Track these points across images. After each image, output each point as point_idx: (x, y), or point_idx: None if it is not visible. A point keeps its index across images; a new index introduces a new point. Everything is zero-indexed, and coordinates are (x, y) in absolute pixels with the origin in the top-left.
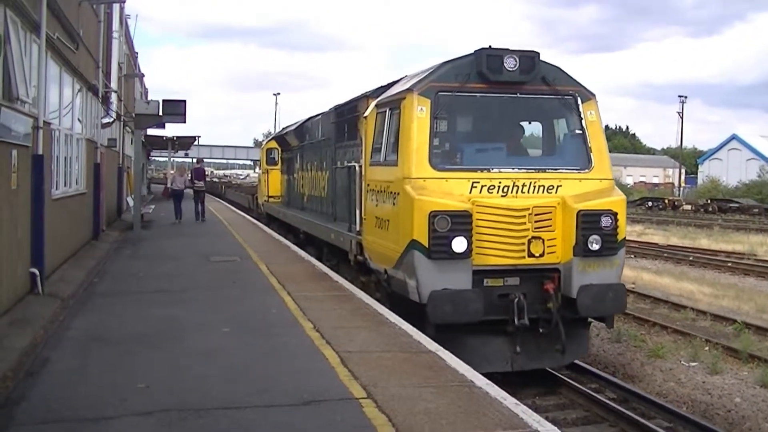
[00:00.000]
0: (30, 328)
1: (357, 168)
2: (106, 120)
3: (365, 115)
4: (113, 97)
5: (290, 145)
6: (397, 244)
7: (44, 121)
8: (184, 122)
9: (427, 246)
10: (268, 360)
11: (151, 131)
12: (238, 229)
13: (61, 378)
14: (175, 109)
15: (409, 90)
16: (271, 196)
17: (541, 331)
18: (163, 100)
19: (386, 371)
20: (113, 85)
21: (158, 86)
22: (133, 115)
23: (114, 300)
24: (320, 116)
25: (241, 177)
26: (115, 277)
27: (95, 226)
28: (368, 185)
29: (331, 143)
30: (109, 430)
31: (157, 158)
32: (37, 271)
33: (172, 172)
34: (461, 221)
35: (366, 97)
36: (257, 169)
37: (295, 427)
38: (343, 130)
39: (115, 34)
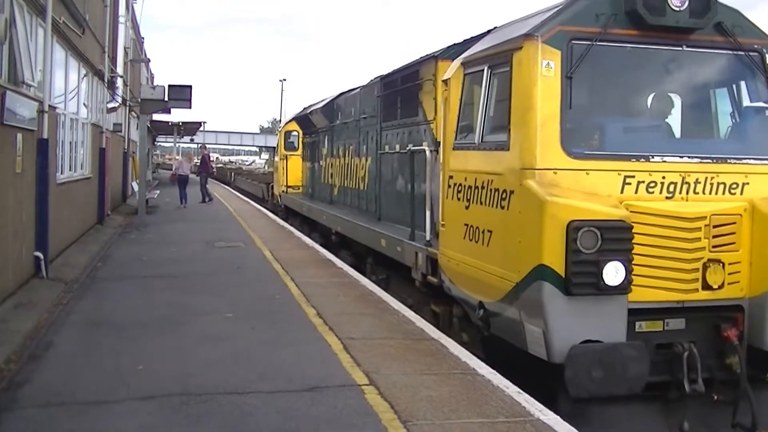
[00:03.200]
0: (34, 312)
1: (427, 154)
2: (111, 105)
3: (445, 78)
4: (119, 81)
5: (315, 127)
6: (509, 269)
7: (49, 106)
8: (190, 108)
9: (563, 275)
10: (270, 346)
11: (156, 116)
12: (242, 215)
13: (64, 361)
14: (181, 95)
15: (529, 36)
16: (290, 186)
17: (715, 398)
18: (169, 86)
19: (389, 358)
20: (119, 69)
21: (163, 72)
22: (139, 100)
23: (118, 285)
24: (358, 90)
25: (247, 163)
26: (119, 261)
27: (100, 211)
28: (450, 178)
29: (376, 122)
30: (112, 414)
31: (162, 144)
32: (41, 255)
33: (178, 158)
34: (617, 237)
35: (434, 58)
36: (263, 155)
37: (298, 413)
38: (395, 104)
39: (121, 19)
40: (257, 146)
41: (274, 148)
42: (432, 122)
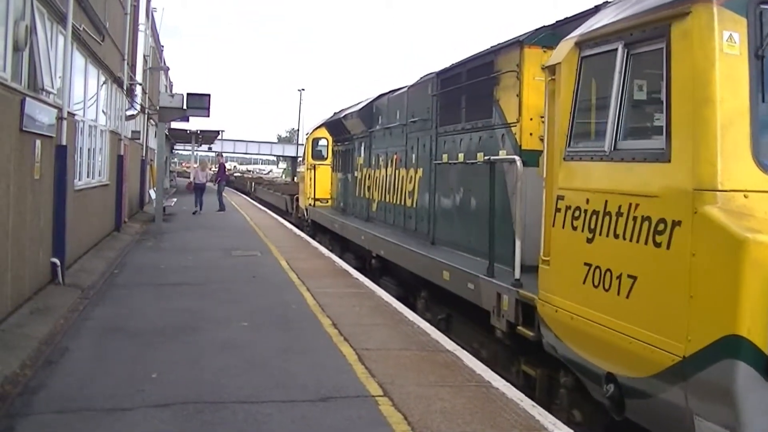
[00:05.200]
0: (50, 318)
1: (518, 165)
2: (130, 112)
3: (549, 64)
4: (138, 89)
5: (349, 133)
6: (669, 335)
7: (68, 112)
8: (208, 116)
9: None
10: (286, 355)
11: (175, 124)
12: (259, 224)
13: (79, 368)
14: (199, 103)
15: None
16: (318, 199)
17: None
18: (188, 94)
19: (403, 369)
20: (138, 77)
21: (182, 80)
22: (158, 107)
23: (134, 291)
24: (405, 89)
25: (264, 172)
26: (135, 268)
27: (117, 218)
28: (560, 198)
29: (430, 126)
30: (126, 421)
31: (180, 152)
32: (58, 261)
33: (195, 166)
34: None
35: (518, 43)
36: (280, 164)
37: (311, 422)
38: (458, 105)
39: (141, 27)
40: (275, 155)
41: (292, 157)
42: (514, 125)
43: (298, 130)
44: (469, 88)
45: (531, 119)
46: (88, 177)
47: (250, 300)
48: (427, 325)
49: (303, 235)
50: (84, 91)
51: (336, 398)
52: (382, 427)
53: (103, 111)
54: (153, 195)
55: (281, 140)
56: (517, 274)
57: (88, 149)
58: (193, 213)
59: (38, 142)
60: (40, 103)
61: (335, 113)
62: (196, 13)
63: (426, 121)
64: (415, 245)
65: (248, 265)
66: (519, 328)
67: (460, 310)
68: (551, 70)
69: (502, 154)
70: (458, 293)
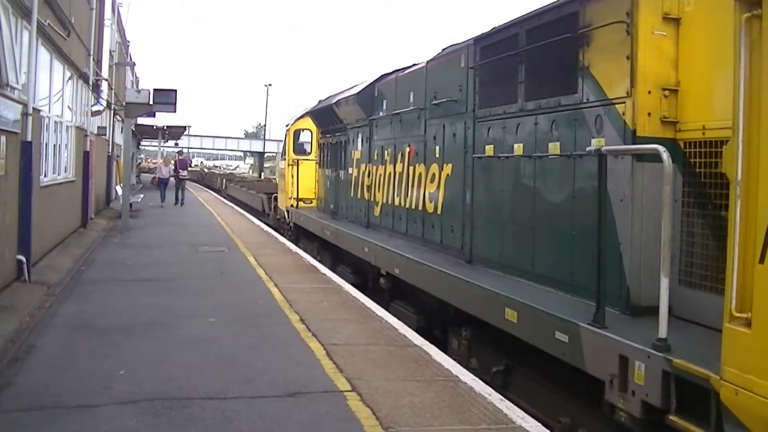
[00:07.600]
0: (16, 315)
1: (664, 160)
2: (96, 108)
3: None
4: (104, 85)
5: (341, 122)
6: None
7: (34, 108)
8: (175, 111)
9: None
10: (253, 351)
11: (141, 120)
12: (226, 219)
13: (46, 365)
14: (166, 99)
15: None
16: (302, 199)
17: None
18: (154, 89)
19: (371, 364)
20: (104, 73)
21: (149, 75)
22: (124, 103)
23: (101, 288)
24: (423, 65)
25: (231, 168)
26: (102, 265)
27: (84, 214)
28: None
29: (463, 109)
30: (94, 418)
31: (147, 147)
32: (23, 258)
33: (159, 161)
34: None
35: None
36: (247, 160)
37: (280, 418)
38: (512, 78)
39: (107, 22)
40: (242, 151)
41: (259, 152)
42: (620, 102)
43: (264, 125)
44: (533, 55)
45: (649, 92)
46: (54, 173)
47: (218, 296)
48: (396, 320)
49: (270, 230)
50: (49, 87)
51: (304, 393)
52: (350, 422)
53: (68, 107)
54: (119, 191)
55: (248, 135)
56: (663, 331)
57: (54, 145)
58: (160, 206)
59: (3, 138)
60: (5, 99)
61: (321, 101)
62: (180, 9)
63: (457, 103)
64: (445, 263)
65: (216, 261)
66: (672, 418)
67: (528, 361)
68: (750, 2)
69: (597, 144)
70: (538, 345)
